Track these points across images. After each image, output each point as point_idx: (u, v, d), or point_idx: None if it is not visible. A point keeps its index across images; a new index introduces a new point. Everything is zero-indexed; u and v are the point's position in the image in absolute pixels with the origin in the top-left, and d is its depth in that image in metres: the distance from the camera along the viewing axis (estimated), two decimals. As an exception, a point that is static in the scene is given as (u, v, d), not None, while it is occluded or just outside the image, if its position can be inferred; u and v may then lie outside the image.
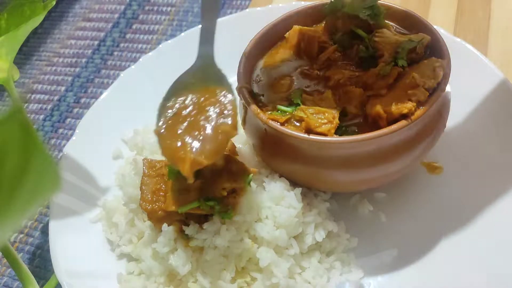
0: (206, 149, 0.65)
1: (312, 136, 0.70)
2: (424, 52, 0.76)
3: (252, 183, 0.74)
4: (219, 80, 0.72)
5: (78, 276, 0.79)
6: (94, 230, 0.86)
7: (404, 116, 0.68)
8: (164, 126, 0.69)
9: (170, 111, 0.70)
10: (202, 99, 0.70)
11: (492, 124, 0.85)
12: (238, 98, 0.79)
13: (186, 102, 0.71)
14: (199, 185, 0.71)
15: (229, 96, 0.70)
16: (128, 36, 1.25)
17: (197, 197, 0.71)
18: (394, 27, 0.81)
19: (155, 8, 1.29)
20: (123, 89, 1.02)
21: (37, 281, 0.80)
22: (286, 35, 0.84)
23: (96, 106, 1.00)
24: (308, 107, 0.73)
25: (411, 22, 0.80)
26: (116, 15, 1.30)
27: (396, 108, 0.69)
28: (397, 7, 0.82)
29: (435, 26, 0.78)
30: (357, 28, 0.79)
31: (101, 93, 1.04)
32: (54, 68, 1.24)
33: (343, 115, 0.73)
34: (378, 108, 0.70)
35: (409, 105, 0.68)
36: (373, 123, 0.71)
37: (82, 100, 1.15)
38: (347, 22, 0.80)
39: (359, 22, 0.80)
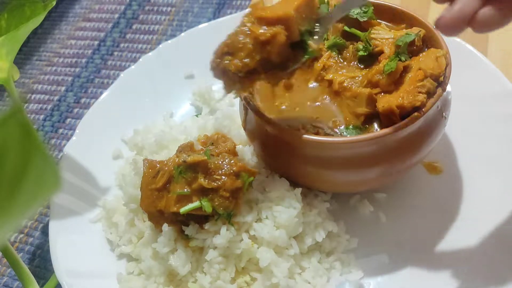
0: None
1: (312, 136, 0.70)
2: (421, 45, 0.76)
3: (252, 184, 0.74)
4: None
5: (78, 276, 0.79)
6: (94, 230, 0.86)
7: (416, 109, 0.68)
8: None
9: None
10: None
11: (492, 124, 0.85)
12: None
13: None
14: (200, 186, 0.71)
15: None
16: (128, 36, 1.25)
17: (198, 198, 0.71)
18: (383, 24, 0.81)
19: (155, 8, 1.29)
20: (123, 89, 1.02)
21: (37, 281, 0.80)
22: None
23: (96, 106, 1.00)
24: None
25: (398, 18, 0.80)
26: (116, 15, 1.30)
27: (409, 102, 0.69)
28: (384, 3, 0.81)
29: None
30: (350, 28, 0.79)
31: (101, 93, 1.04)
32: (54, 68, 1.24)
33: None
34: (391, 104, 0.70)
35: (421, 97, 0.69)
36: (386, 120, 0.71)
37: (82, 100, 1.15)
38: (337, 24, 0.80)
39: (349, 22, 0.80)
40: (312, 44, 0.67)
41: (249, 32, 0.65)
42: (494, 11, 0.52)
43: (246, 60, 0.65)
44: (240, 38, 0.65)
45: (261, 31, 0.64)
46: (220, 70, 0.67)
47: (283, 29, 0.65)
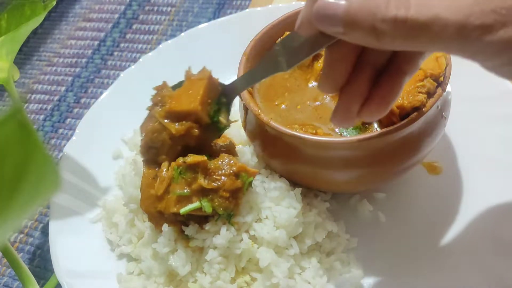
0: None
1: (312, 136, 0.70)
2: None
3: (252, 183, 0.74)
4: None
5: (78, 276, 0.79)
6: (94, 230, 0.86)
7: (416, 109, 0.68)
8: None
9: None
10: None
11: (492, 124, 0.85)
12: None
13: None
14: (200, 187, 0.71)
15: None
16: (128, 36, 1.25)
17: (198, 198, 0.71)
18: None
19: (155, 8, 1.29)
20: (123, 89, 1.02)
21: (37, 281, 0.80)
22: (278, 41, 0.84)
23: (96, 106, 1.00)
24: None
25: None
26: (116, 15, 1.30)
27: (408, 102, 0.69)
28: None
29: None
30: None
31: (101, 93, 1.04)
32: (54, 68, 1.24)
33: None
34: None
35: (421, 97, 0.69)
36: (385, 120, 0.71)
37: (82, 100, 1.15)
38: None
39: None
40: (223, 120, 0.73)
41: (164, 129, 0.72)
42: (372, 108, 0.57)
43: (170, 152, 0.72)
44: (157, 135, 0.72)
45: (176, 126, 0.71)
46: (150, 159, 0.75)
47: (194, 121, 0.71)
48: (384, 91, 0.56)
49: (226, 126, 0.74)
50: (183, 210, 0.71)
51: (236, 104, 0.89)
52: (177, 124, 0.71)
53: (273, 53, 0.62)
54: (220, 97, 0.73)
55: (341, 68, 0.55)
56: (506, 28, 0.43)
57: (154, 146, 0.73)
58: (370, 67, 0.56)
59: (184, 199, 0.72)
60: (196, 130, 0.71)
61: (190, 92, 0.71)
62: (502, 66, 0.47)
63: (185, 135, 0.71)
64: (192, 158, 0.71)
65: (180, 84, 0.75)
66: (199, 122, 0.72)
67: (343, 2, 0.47)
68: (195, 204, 0.71)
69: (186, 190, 0.71)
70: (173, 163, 0.72)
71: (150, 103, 0.77)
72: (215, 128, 0.74)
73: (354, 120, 0.58)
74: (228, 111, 0.74)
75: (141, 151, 0.75)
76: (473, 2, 0.43)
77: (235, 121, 0.76)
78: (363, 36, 0.47)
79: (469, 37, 0.44)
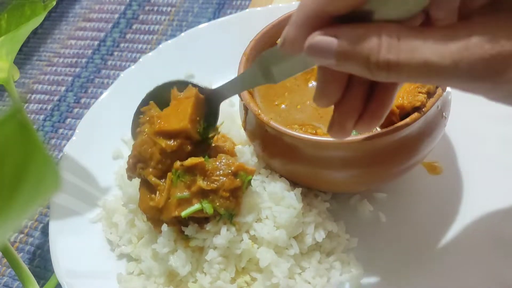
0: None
1: (311, 136, 0.70)
2: None
3: (252, 183, 0.74)
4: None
5: (78, 276, 0.79)
6: (94, 230, 0.86)
7: (416, 109, 0.68)
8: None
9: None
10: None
11: (492, 124, 0.85)
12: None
13: None
14: (199, 189, 0.71)
15: None
16: (128, 36, 1.25)
17: (198, 200, 0.71)
18: None
19: (155, 8, 1.29)
20: (123, 89, 1.02)
21: (37, 281, 0.80)
22: (278, 41, 0.83)
23: (96, 106, 1.00)
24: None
25: None
26: (116, 15, 1.30)
27: (408, 102, 0.69)
28: None
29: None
30: None
31: (101, 93, 1.04)
32: (54, 68, 1.24)
33: None
34: None
35: (421, 97, 0.69)
36: (385, 120, 0.71)
37: (82, 100, 1.15)
38: None
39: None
40: (213, 134, 0.76)
41: (154, 143, 0.73)
42: (366, 121, 0.57)
43: (158, 166, 0.72)
44: (146, 147, 0.73)
45: (168, 142, 0.72)
46: (136, 176, 0.75)
47: (185, 138, 0.72)
48: (376, 104, 0.56)
49: (214, 138, 0.76)
50: (185, 213, 0.71)
51: (236, 104, 0.89)
52: (168, 142, 0.72)
53: (263, 61, 0.61)
54: (207, 108, 0.75)
55: (335, 85, 0.55)
56: (497, 75, 0.43)
57: (142, 160, 0.73)
58: (363, 82, 0.56)
59: (184, 202, 0.72)
60: (189, 146, 0.73)
61: (178, 111, 0.73)
62: (504, 98, 0.47)
63: (177, 150, 0.72)
64: (189, 161, 0.71)
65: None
66: (190, 139, 0.73)
67: (335, 41, 0.47)
68: (196, 206, 0.71)
69: (185, 193, 0.71)
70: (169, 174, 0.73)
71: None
72: (205, 144, 0.75)
73: (350, 134, 0.59)
74: (215, 117, 0.76)
75: (128, 167, 0.75)
76: (462, 47, 0.43)
77: (219, 132, 0.78)
78: (356, 70, 0.48)
79: (461, 80, 0.45)
